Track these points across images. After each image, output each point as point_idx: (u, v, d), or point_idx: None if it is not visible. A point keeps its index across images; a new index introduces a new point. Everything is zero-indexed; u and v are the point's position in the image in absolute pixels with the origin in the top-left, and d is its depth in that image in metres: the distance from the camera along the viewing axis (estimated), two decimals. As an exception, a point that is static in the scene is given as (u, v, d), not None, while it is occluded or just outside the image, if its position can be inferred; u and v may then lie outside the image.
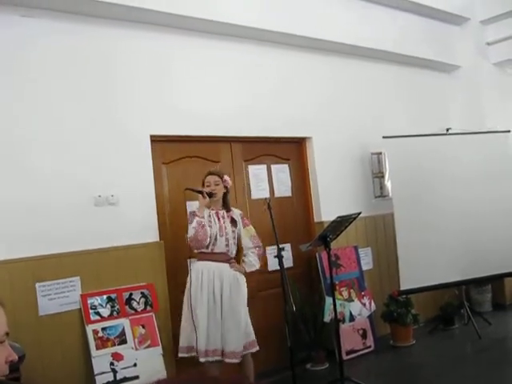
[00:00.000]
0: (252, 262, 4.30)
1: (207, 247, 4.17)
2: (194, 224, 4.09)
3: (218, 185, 4.25)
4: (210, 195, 4.19)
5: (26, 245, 3.85)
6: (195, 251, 4.22)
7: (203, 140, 4.96)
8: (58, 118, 4.10)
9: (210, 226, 4.17)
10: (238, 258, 4.37)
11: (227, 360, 4.07)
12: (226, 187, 4.32)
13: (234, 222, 4.32)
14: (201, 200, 4.18)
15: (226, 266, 4.20)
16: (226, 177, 4.33)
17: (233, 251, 4.30)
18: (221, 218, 4.26)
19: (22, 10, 3.98)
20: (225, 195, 4.34)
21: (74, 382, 3.95)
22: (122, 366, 4.01)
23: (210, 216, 4.22)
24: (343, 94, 5.98)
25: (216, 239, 4.19)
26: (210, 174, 4.31)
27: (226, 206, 4.35)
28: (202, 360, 4.03)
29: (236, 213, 4.39)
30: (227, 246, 4.23)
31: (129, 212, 4.34)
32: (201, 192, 4.17)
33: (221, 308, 4.11)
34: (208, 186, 4.23)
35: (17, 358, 1.39)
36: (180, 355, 4.13)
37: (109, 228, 4.24)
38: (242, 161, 5.29)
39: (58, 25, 4.15)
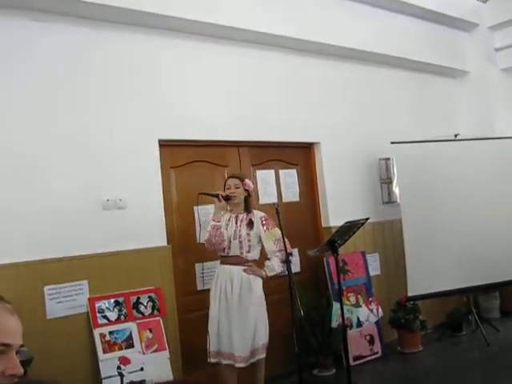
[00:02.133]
0: (273, 265, 4.22)
1: (224, 250, 4.23)
2: (209, 228, 4.16)
3: (238, 188, 4.26)
4: (227, 198, 4.21)
5: (35, 248, 3.86)
6: (219, 253, 4.32)
7: (211, 144, 4.97)
8: (65, 121, 4.11)
9: (227, 230, 4.21)
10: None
11: (236, 364, 4.07)
12: (247, 190, 4.32)
13: (250, 224, 4.29)
14: (216, 204, 4.20)
15: (237, 268, 4.20)
16: (246, 180, 4.34)
17: (250, 254, 4.26)
18: (238, 222, 4.27)
19: (25, 13, 3.99)
20: (246, 198, 4.33)
21: (81, 386, 3.95)
22: (129, 370, 4.00)
23: (229, 220, 4.27)
24: (352, 100, 5.98)
25: (230, 242, 4.22)
26: (231, 177, 4.36)
27: (247, 208, 4.34)
28: (212, 361, 4.10)
29: (256, 215, 4.33)
30: (241, 248, 4.22)
31: (137, 216, 4.35)
32: (216, 195, 4.19)
33: (234, 313, 4.14)
34: (228, 189, 4.25)
35: (22, 371, 1.31)
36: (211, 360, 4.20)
37: (117, 232, 4.25)
38: (249, 165, 5.29)
39: (64, 28, 4.16)
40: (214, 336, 4.13)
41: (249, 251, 4.24)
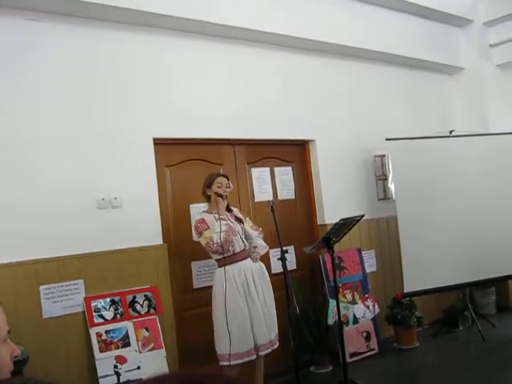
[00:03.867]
0: (262, 244, 4.39)
1: (228, 250, 4.17)
2: (224, 227, 4.10)
3: (228, 187, 4.28)
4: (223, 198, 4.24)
5: (30, 248, 3.85)
6: (215, 257, 4.21)
7: (206, 143, 4.97)
8: (60, 120, 4.11)
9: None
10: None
11: (263, 352, 4.14)
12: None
13: (238, 219, 4.35)
14: (221, 202, 4.20)
15: (248, 261, 4.25)
16: (230, 181, 4.37)
17: (246, 245, 4.32)
18: (226, 219, 4.27)
19: (27, 13, 3.99)
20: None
21: (78, 385, 3.96)
22: (126, 368, 4.00)
23: (216, 220, 4.24)
24: (346, 97, 5.98)
25: (232, 240, 4.22)
26: (223, 175, 4.34)
27: (227, 208, 4.37)
28: (233, 363, 4.05)
29: (235, 211, 4.44)
30: (243, 242, 4.26)
31: (132, 215, 4.35)
32: (221, 195, 4.20)
33: (260, 302, 4.18)
34: (219, 188, 4.24)
35: (19, 351, 1.44)
36: (235, 362, 4.08)
37: (112, 231, 4.25)
38: (245, 163, 5.29)
39: (61, 28, 4.17)
40: (245, 337, 4.07)
41: (244, 244, 4.29)
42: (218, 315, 4.12)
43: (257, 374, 4.28)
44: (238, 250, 4.22)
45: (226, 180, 4.30)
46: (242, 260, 4.21)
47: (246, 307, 4.11)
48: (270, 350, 4.20)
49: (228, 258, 4.18)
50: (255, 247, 4.35)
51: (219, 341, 4.11)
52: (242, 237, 4.29)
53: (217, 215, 4.22)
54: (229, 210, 4.37)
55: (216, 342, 4.14)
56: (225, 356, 4.06)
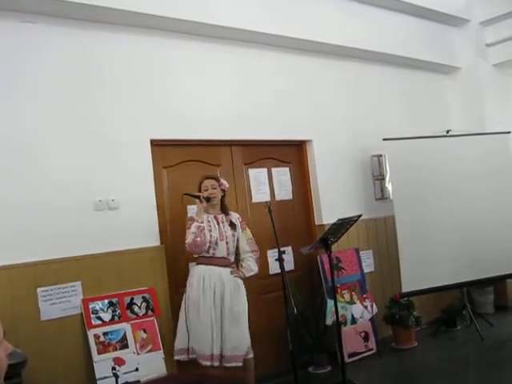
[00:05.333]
0: (250, 266, 4.31)
1: (208, 251, 4.18)
2: (193, 229, 4.11)
3: (215, 188, 4.27)
4: (208, 199, 4.21)
5: (27, 250, 3.85)
6: (195, 256, 4.24)
7: (203, 144, 4.96)
8: (58, 121, 4.11)
9: (210, 231, 4.18)
10: (236, 263, 4.39)
11: (227, 364, 4.06)
12: (223, 190, 4.33)
13: (232, 225, 4.32)
14: (198, 205, 4.21)
15: (227, 270, 4.21)
16: (222, 180, 4.35)
17: (233, 256, 4.30)
18: (220, 223, 4.27)
19: (22, 15, 3.99)
20: (222, 199, 4.35)
21: (76, 387, 3.95)
22: (124, 370, 4.00)
23: (209, 221, 4.24)
24: (343, 97, 5.98)
25: (217, 244, 4.20)
26: (207, 178, 4.33)
27: (224, 209, 4.36)
28: (207, 364, 4.03)
29: (234, 216, 4.39)
30: (228, 250, 4.24)
31: (129, 216, 4.34)
32: (198, 197, 4.19)
33: (221, 312, 4.11)
34: (206, 191, 4.24)
35: (12, 347, 1.41)
36: (177, 357, 4.14)
37: (110, 232, 4.24)
38: (242, 164, 5.29)
39: (58, 30, 4.17)
40: (209, 339, 4.03)
41: (231, 253, 4.27)
42: (181, 310, 4.17)
43: (246, 376, 4.24)
44: (218, 255, 4.21)
45: (213, 181, 4.29)
46: (218, 266, 4.19)
47: (208, 310, 4.07)
48: (210, 363, 4.04)
49: (204, 259, 4.20)
50: (241, 266, 4.31)
51: (180, 335, 4.13)
52: (231, 244, 4.25)
53: (211, 215, 4.27)
54: (226, 213, 4.35)
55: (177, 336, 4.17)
56: (182, 350, 4.08)
